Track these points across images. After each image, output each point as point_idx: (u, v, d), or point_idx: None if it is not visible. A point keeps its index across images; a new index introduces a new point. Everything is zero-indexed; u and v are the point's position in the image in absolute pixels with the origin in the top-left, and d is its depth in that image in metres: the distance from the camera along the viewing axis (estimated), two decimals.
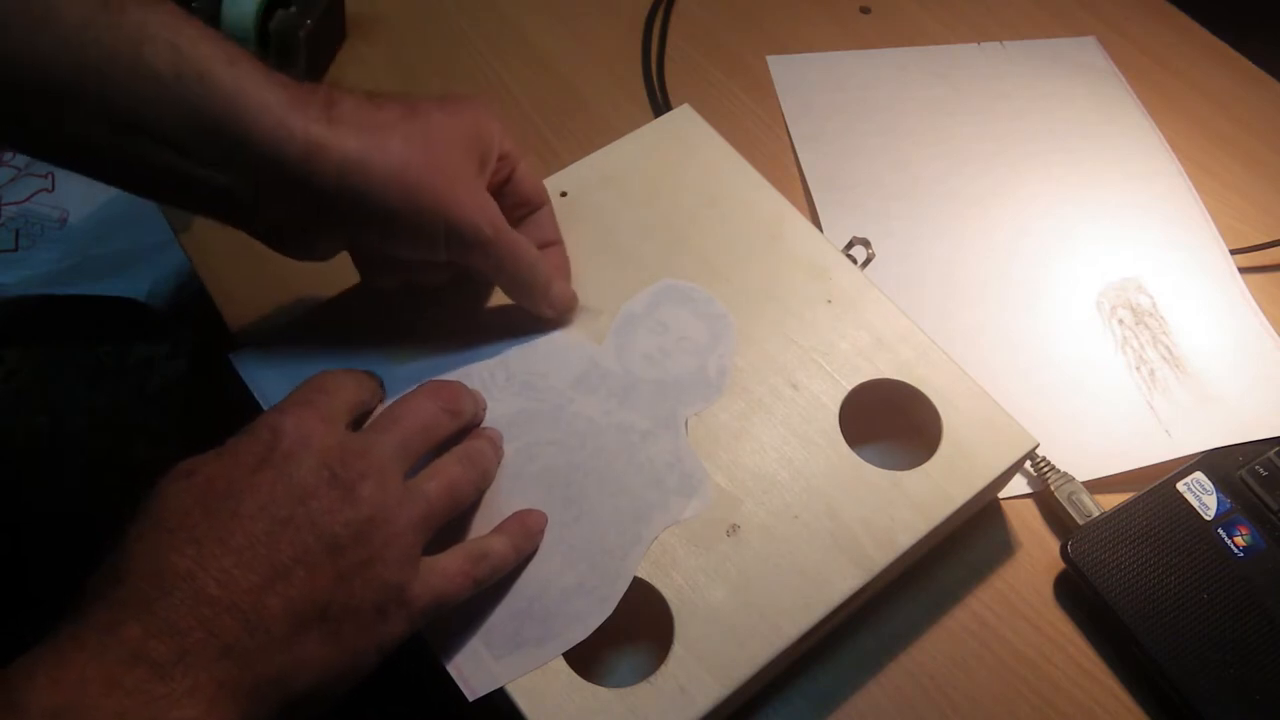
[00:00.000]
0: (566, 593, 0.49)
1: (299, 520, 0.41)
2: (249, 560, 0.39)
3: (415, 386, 0.51)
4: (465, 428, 0.51)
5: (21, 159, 1.06)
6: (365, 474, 0.43)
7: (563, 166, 0.63)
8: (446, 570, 0.45)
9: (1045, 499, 0.59)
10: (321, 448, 0.43)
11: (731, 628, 0.48)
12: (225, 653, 0.38)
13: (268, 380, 0.53)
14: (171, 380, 0.64)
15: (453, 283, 0.56)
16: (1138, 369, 0.64)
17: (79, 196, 1.06)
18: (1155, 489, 0.58)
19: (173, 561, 0.39)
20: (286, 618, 0.39)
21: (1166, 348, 0.65)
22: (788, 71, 0.79)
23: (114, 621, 0.37)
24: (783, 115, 0.76)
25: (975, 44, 0.81)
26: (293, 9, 0.72)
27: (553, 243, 0.58)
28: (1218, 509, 0.57)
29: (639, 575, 0.49)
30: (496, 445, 0.51)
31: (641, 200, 0.62)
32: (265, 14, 0.71)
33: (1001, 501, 0.60)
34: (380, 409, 0.50)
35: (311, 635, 0.40)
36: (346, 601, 0.41)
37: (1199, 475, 0.58)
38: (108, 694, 0.35)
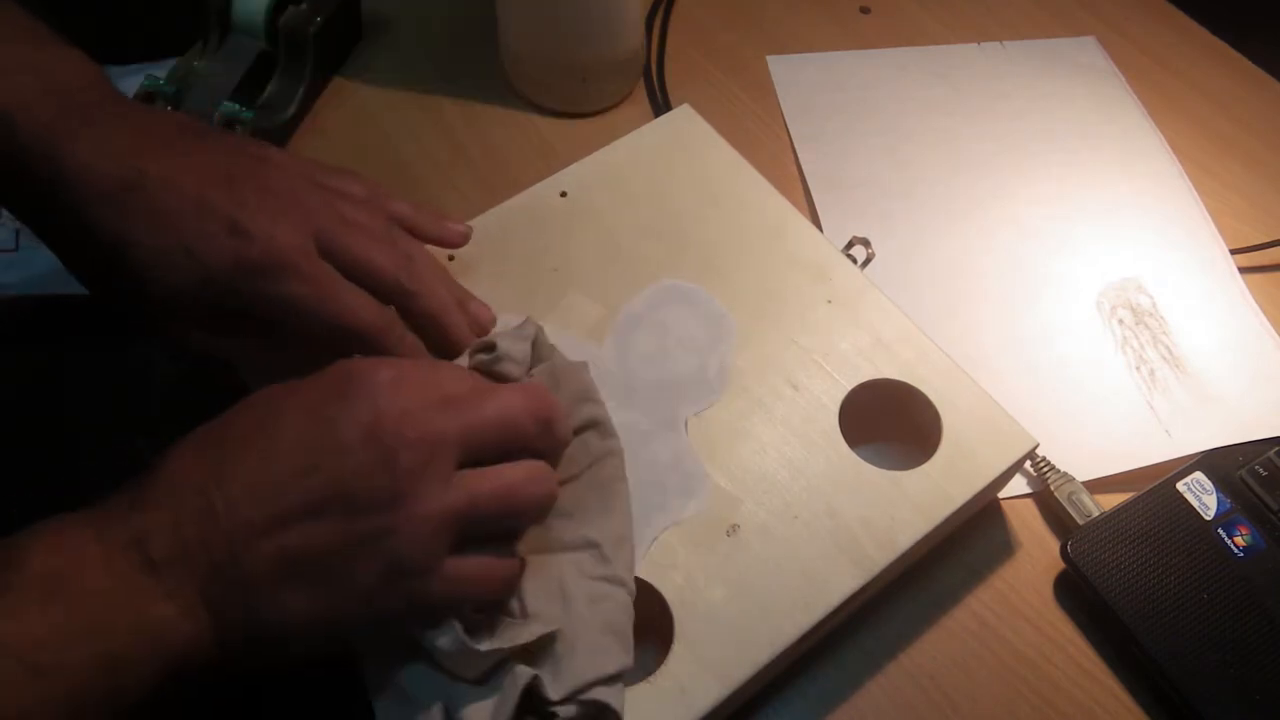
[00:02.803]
0: None
1: (325, 472, 0.40)
2: (260, 498, 0.39)
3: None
4: (547, 450, 0.46)
5: None
6: (412, 445, 0.40)
7: (563, 166, 0.63)
8: (471, 572, 0.43)
9: (1045, 499, 0.59)
10: (381, 408, 0.41)
11: (731, 627, 0.48)
12: (213, 571, 0.38)
13: None
14: (172, 380, 0.64)
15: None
16: (1138, 369, 0.64)
17: None
18: (1155, 489, 0.58)
19: (194, 474, 0.40)
20: (276, 565, 0.39)
21: (1166, 348, 0.65)
22: (788, 71, 0.79)
23: (126, 509, 0.39)
24: (783, 115, 0.76)
25: (975, 44, 0.81)
26: (303, 6, 0.72)
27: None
28: (1218, 509, 0.57)
29: (639, 575, 0.49)
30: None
31: (641, 200, 0.62)
32: (276, 10, 0.71)
33: (1001, 501, 0.60)
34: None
35: (298, 588, 0.39)
36: (347, 568, 0.40)
37: (1199, 475, 0.58)
38: (100, 571, 0.37)
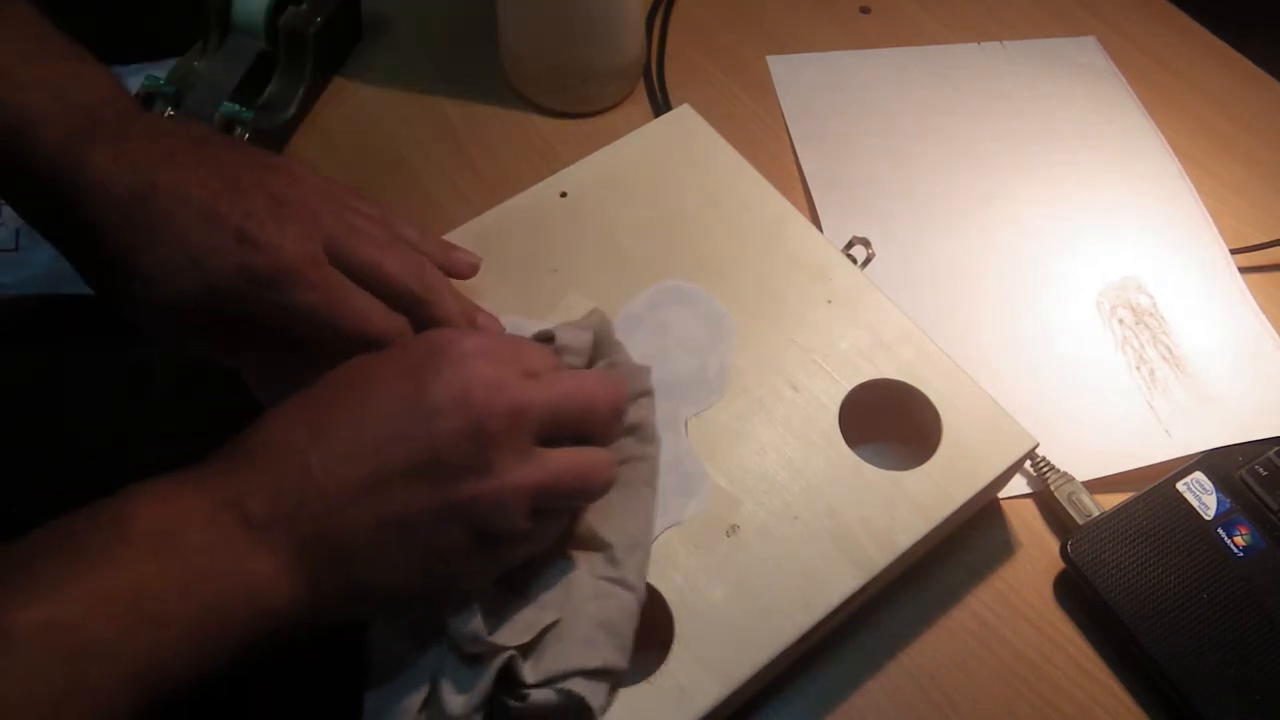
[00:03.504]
0: None
1: (419, 435, 0.41)
2: (356, 460, 0.41)
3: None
4: (610, 439, 0.49)
5: None
6: (498, 413, 0.42)
7: (563, 166, 0.63)
8: (539, 545, 0.46)
9: (1045, 499, 0.59)
10: (473, 374, 0.42)
11: (731, 628, 0.48)
12: (310, 531, 0.40)
13: None
14: (172, 380, 0.64)
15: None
16: (1138, 369, 0.64)
17: None
18: (1155, 489, 0.58)
19: (293, 436, 0.41)
20: (372, 524, 0.40)
21: (1166, 348, 0.65)
22: (788, 71, 0.79)
23: (226, 469, 0.40)
24: (783, 115, 0.76)
25: (975, 44, 0.81)
26: (304, 6, 0.72)
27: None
28: (1218, 509, 0.57)
29: None
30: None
31: (641, 200, 0.62)
32: (276, 10, 0.71)
33: (1001, 501, 0.60)
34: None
35: (392, 550, 0.41)
36: (437, 532, 0.41)
37: (1199, 475, 0.58)
38: (203, 527, 0.38)
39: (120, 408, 0.63)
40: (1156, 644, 0.53)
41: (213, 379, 0.55)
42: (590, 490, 0.46)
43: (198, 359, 0.52)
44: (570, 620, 0.46)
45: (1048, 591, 0.57)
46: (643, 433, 0.51)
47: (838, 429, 0.54)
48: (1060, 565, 0.57)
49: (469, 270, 0.55)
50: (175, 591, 0.37)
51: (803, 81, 0.78)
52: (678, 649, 0.48)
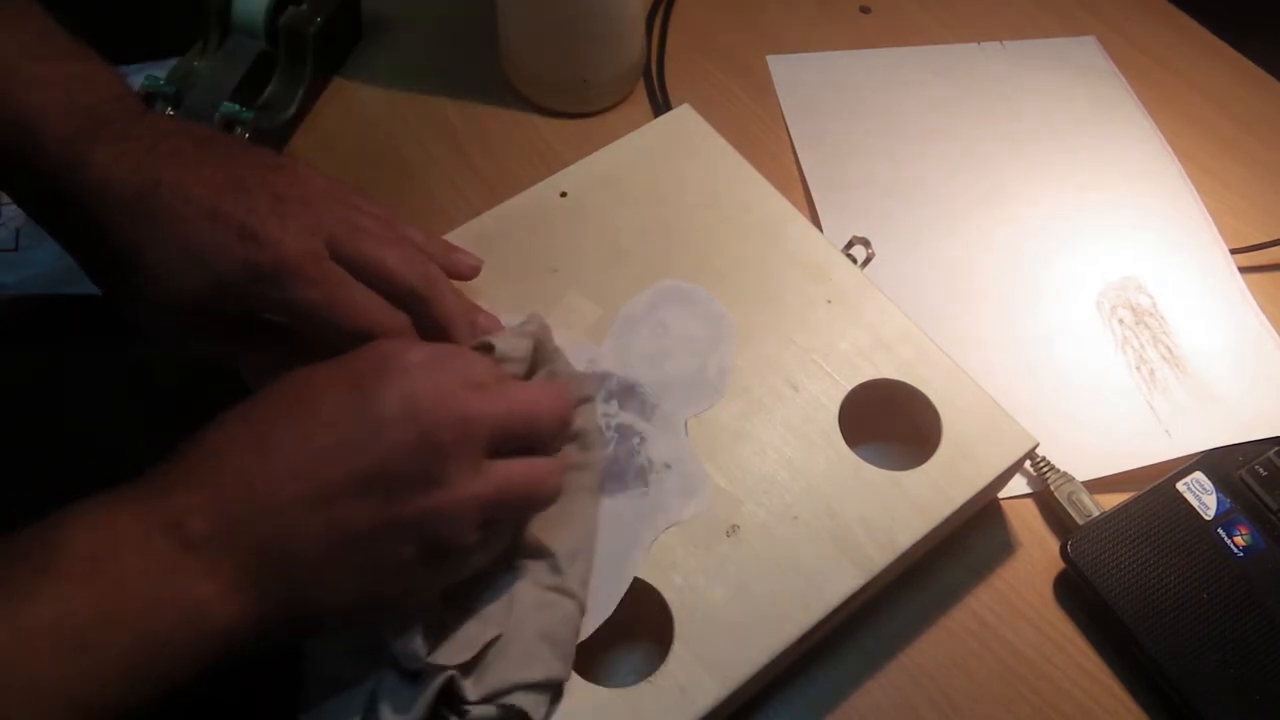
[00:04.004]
0: None
1: (367, 448, 0.40)
2: (304, 474, 0.40)
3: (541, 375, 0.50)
4: (554, 449, 0.49)
5: None
6: (447, 424, 0.41)
7: (563, 166, 0.63)
8: (488, 558, 0.45)
9: (1045, 499, 0.59)
10: (419, 386, 0.42)
11: (731, 628, 0.48)
12: (253, 551, 0.39)
13: None
14: (172, 380, 0.64)
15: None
16: (1138, 369, 0.64)
17: None
18: (1155, 489, 0.58)
19: (233, 452, 0.40)
20: (319, 541, 0.40)
21: (1166, 348, 0.65)
22: (788, 71, 0.79)
23: (163, 488, 0.39)
24: (783, 115, 0.76)
25: (975, 44, 0.81)
26: (304, 6, 0.72)
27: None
28: (1217, 509, 0.57)
29: (639, 576, 0.49)
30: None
31: (641, 200, 0.62)
32: (276, 10, 0.71)
33: (1001, 501, 0.60)
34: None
35: (344, 564, 0.40)
36: (387, 548, 0.41)
37: (1199, 475, 0.58)
38: (139, 552, 0.37)
39: (120, 408, 0.63)
40: (1156, 644, 0.53)
41: (213, 379, 0.55)
42: (539, 500, 0.46)
43: (198, 359, 0.53)
44: (512, 634, 0.45)
45: (1048, 591, 0.57)
46: (584, 439, 0.51)
47: (838, 429, 0.54)
48: (1060, 565, 0.57)
49: (470, 271, 0.55)
50: (109, 620, 0.36)
51: (803, 81, 0.78)
52: (678, 649, 0.48)
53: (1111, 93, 0.79)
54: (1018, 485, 0.60)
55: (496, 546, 0.45)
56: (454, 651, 0.44)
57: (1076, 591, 0.56)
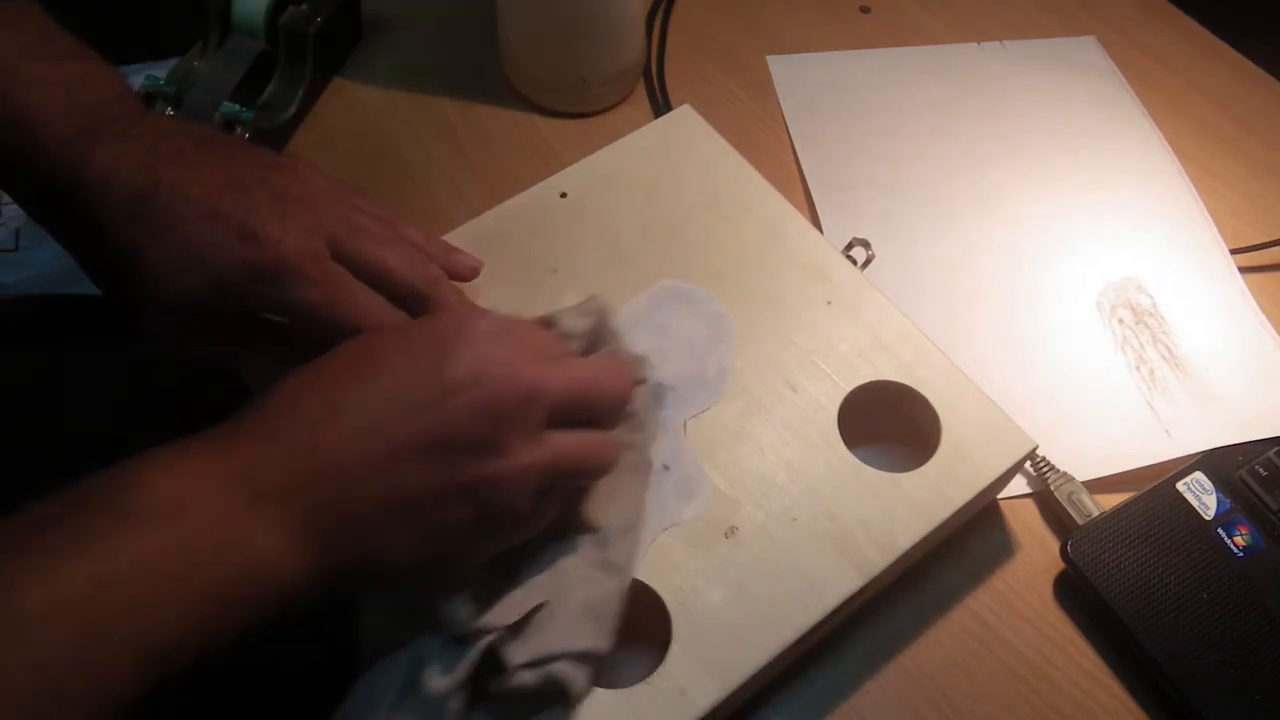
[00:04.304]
0: None
1: (434, 411, 0.41)
2: (371, 432, 0.40)
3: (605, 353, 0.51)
4: (611, 425, 0.49)
5: None
6: (512, 393, 0.42)
7: (563, 167, 0.63)
8: (543, 521, 0.46)
9: (1045, 499, 0.59)
10: (488, 354, 0.42)
11: (730, 629, 0.48)
12: (320, 506, 0.39)
13: None
14: (172, 380, 0.64)
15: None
16: (1138, 369, 0.64)
17: None
18: (1155, 489, 0.58)
19: (306, 407, 0.41)
20: (385, 500, 0.40)
21: (1166, 348, 0.65)
22: (788, 71, 0.79)
23: (234, 441, 0.40)
24: (783, 115, 0.76)
25: (975, 44, 0.81)
26: (304, 6, 0.73)
27: None
28: (1217, 509, 0.57)
29: (638, 577, 0.49)
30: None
31: (641, 200, 0.62)
32: (276, 10, 0.71)
33: (1001, 502, 0.60)
34: None
35: (405, 525, 0.41)
36: (447, 511, 0.41)
37: (1199, 475, 0.58)
38: (210, 501, 0.38)
39: (120, 408, 0.63)
40: (1156, 644, 0.53)
41: (213, 379, 0.55)
42: (593, 472, 0.47)
43: (198, 359, 0.53)
44: (557, 603, 0.46)
45: (1048, 592, 0.57)
46: (636, 420, 0.51)
47: (837, 430, 0.54)
48: (1060, 565, 0.57)
49: (470, 273, 0.55)
50: (180, 568, 0.36)
51: (803, 81, 0.78)
52: (676, 650, 0.48)
53: (1111, 93, 0.79)
54: (1018, 485, 0.60)
55: (548, 516, 0.46)
56: (499, 617, 0.45)
57: (1076, 591, 0.56)
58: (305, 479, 0.39)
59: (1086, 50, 0.81)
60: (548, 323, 0.50)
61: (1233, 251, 0.70)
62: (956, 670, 0.54)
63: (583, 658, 0.45)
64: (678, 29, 0.81)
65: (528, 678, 0.44)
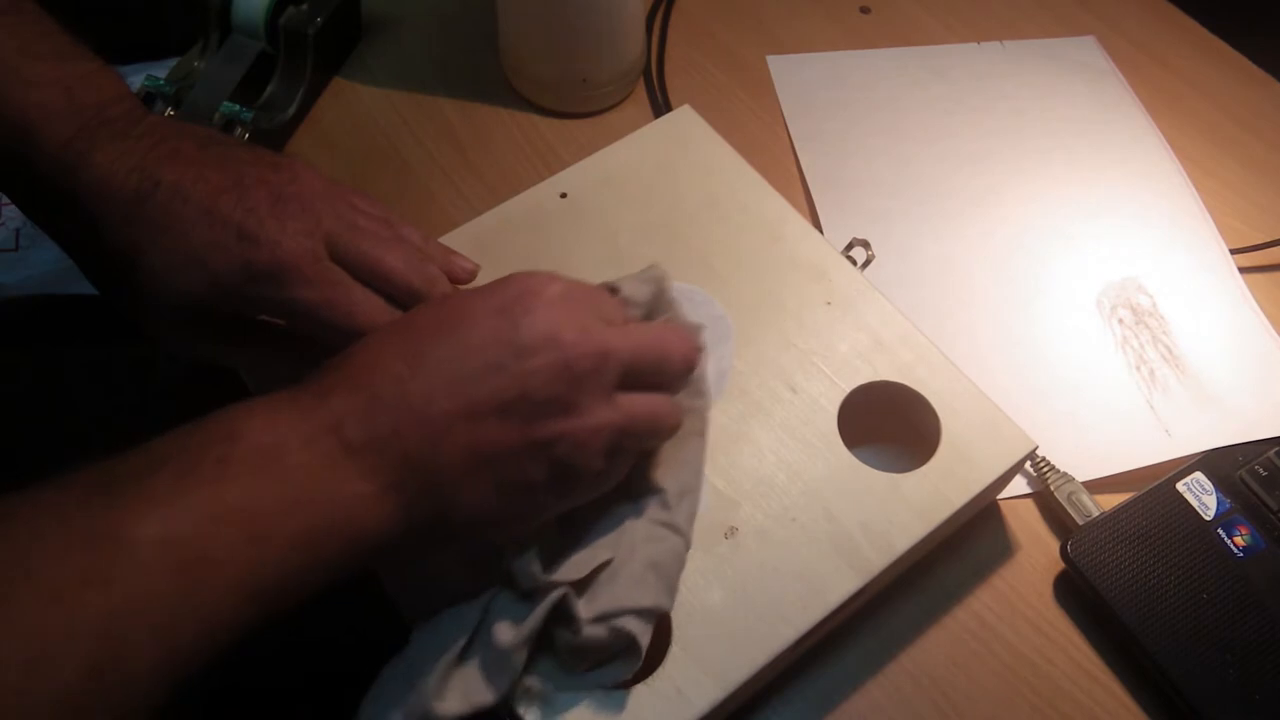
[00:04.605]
0: None
1: (512, 371, 0.42)
2: (453, 389, 0.41)
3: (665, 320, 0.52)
4: (677, 389, 0.50)
5: None
6: (586, 355, 0.43)
7: (563, 167, 0.63)
8: (615, 479, 0.47)
9: (1045, 499, 0.59)
10: (561, 317, 0.44)
11: (729, 630, 0.48)
12: (404, 458, 0.40)
13: None
14: (172, 381, 0.64)
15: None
16: (1138, 369, 0.64)
17: None
18: (1155, 489, 0.58)
19: (391, 363, 0.42)
20: (465, 455, 0.41)
21: (1166, 347, 0.65)
22: (788, 71, 0.79)
23: (325, 391, 0.41)
24: (783, 115, 0.76)
25: (975, 44, 0.81)
26: (304, 6, 0.73)
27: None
28: (1217, 509, 0.57)
29: None
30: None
31: (641, 201, 0.62)
32: (276, 10, 0.71)
33: (1001, 502, 0.60)
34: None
35: (483, 479, 0.42)
36: (524, 467, 0.42)
37: (1199, 475, 0.58)
38: (304, 449, 0.39)
39: (121, 407, 0.63)
40: (1156, 644, 0.53)
41: (213, 377, 0.55)
42: (661, 433, 0.48)
43: (198, 359, 0.53)
44: (623, 561, 0.47)
45: (1048, 591, 0.57)
46: (695, 387, 0.53)
47: (836, 431, 0.54)
48: (1060, 565, 0.57)
49: (467, 276, 0.55)
50: (279, 511, 0.38)
51: (803, 81, 0.78)
52: (676, 650, 0.48)
53: (1111, 92, 0.78)
54: (1018, 485, 0.60)
55: (617, 475, 0.47)
56: (567, 573, 0.46)
57: (1076, 591, 0.56)
58: (390, 431, 0.40)
59: (1086, 50, 0.81)
60: (612, 289, 0.51)
61: (1233, 251, 0.70)
62: (957, 669, 0.54)
63: (647, 614, 0.46)
64: (678, 29, 0.81)
65: (598, 631, 0.45)
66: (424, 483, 0.41)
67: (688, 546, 0.49)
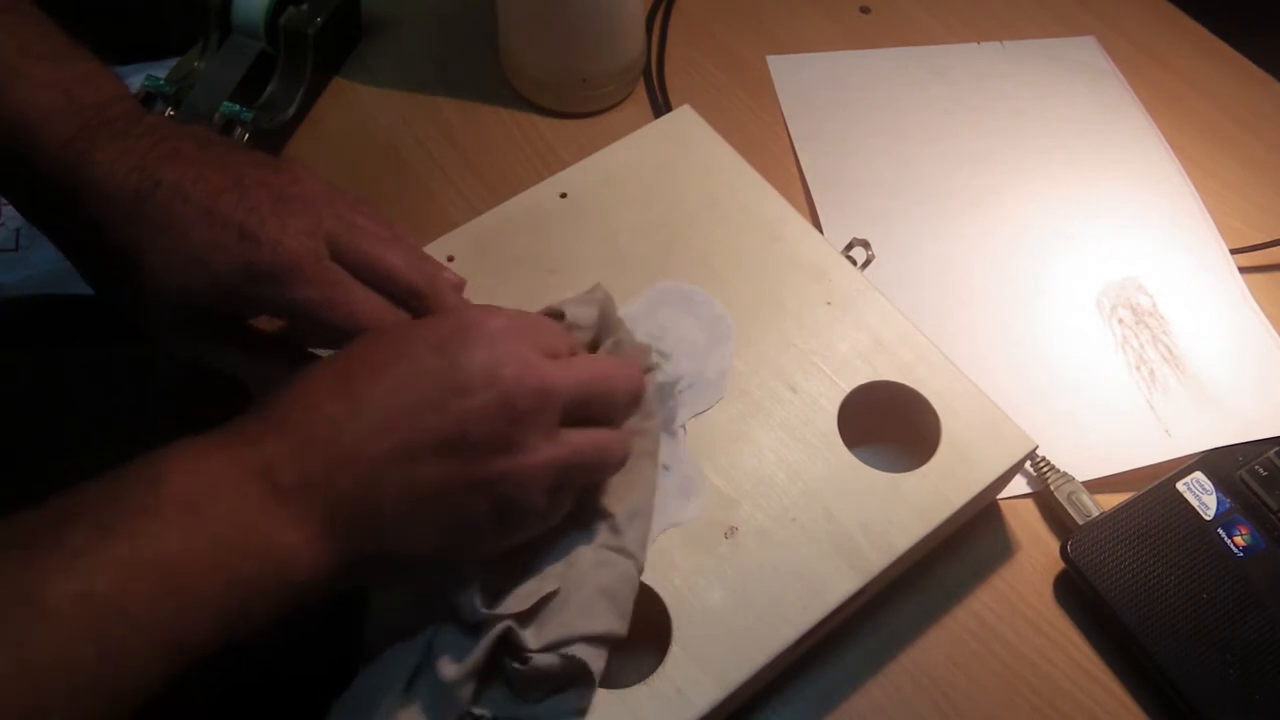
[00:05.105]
0: None
1: (450, 410, 0.41)
2: (389, 428, 0.41)
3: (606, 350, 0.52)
4: (621, 421, 0.50)
5: None
6: (527, 393, 0.42)
7: (563, 167, 0.63)
8: (557, 514, 0.46)
9: (1045, 499, 0.59)
10: (502, 353, 0.43)
11: (729, 630, 0.48)
12: (338, 501, 0.40)
13: None
14: (172, 381, 0.64)
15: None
16: (1138, 369, 0.64)
17: None
18: (1155, 489, 0.58)
19: (322, 404, 0.41)
20: (403, 495, 0.41)
21: (1166, 347, 0.65)
22: (788, 71, 0.79)
23: (255, 436, 0.40)
24: (783, 115, 0.76)
25: (975, 44, 0.81)
26: (304, 6, 0.72)
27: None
28: (1217, 509, 0.57)
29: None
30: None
31: (641, 201, 0.62)
32: (276, 10, 0.71)
33: (1001, 502, 0.60)
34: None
35: (422, 519, 0.41)
36: (464, 507, 0.42)
37: (1199, 475, 0.58)
38: (232, 496, 0.38)
39: (121, 407, 0.63)
40: (1156, 644, 0.53)
41: (213, 378, 0.55)
42: (607, 468, 0.47)
43: (198, 359, 0.52)
44: (572, 589, 0.47)
45: (1048, 591, 0.57)
46: (644, 408, 0.52)
47: (836, 431, 0.54)
48: (1060, 565, 0.57)
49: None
50: (203, 564, 0.37)
51: (803, 81, 0.78)
52: (675, 650, 0.48)
53: (1111, 92, 0.78)
54: (1018, 485, 0.60)
55: (562, 510, 0.47)
56: (512, 604, 0.46)
57: (1076, 591, 0.56)
58: (323, 475, 0.40)
59: (1086, 50, 0.81)
60: (555, 313, 0.51)
61: (1233, 251, 0.70)
62: (957, 669, 0.54)
63: (600, 640, 0.46)
64: (678, 29, 0.81)
65: (549, 660, 0.45)
66: (360, 524, 0.40)
67: (640, 570, 0.49)
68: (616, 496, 0.50)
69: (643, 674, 0.47)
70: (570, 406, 0.44)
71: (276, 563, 0.39)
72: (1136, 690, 0.54)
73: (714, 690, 0.47)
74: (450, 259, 0.59)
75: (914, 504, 0.52)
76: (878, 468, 0.53)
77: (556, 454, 0.43)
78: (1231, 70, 0.81)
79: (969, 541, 0.58)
